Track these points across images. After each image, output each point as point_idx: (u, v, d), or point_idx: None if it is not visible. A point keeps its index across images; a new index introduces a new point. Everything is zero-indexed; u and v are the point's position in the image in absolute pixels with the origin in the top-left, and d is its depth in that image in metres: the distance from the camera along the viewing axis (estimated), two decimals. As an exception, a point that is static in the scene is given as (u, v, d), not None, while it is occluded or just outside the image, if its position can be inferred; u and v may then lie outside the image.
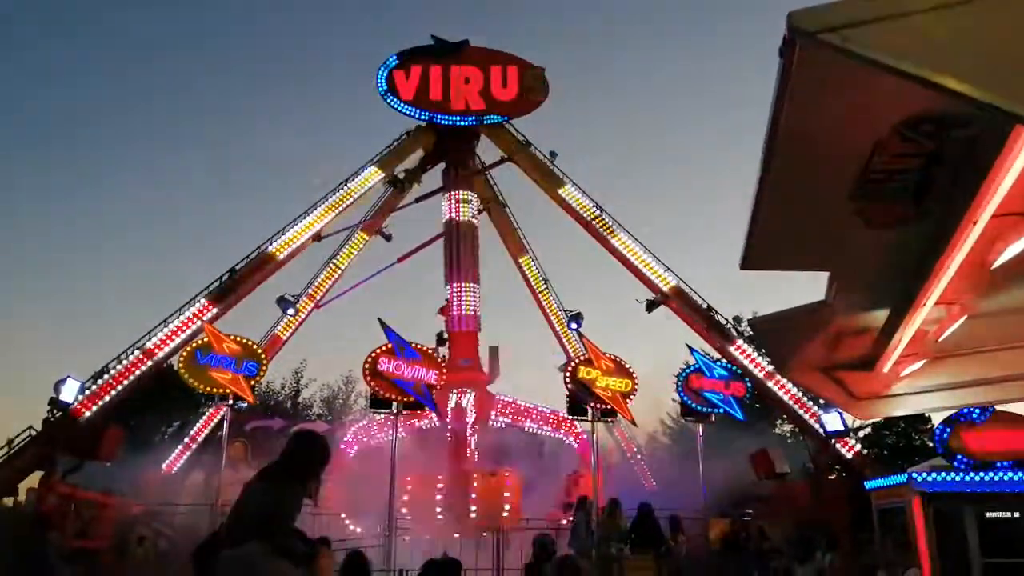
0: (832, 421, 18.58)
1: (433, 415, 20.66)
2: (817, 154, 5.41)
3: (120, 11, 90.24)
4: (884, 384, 9.83)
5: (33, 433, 16.22)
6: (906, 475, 15.80)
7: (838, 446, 19.08)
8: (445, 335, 24.52)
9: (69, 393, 16.44)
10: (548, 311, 27.43)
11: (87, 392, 16.91)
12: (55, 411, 16.57)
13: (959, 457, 15.08)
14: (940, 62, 4.49)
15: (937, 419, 16.46)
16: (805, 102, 4.90)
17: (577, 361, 20.13)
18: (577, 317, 25.24)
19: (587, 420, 19.65)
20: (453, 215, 24.87)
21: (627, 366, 20.02)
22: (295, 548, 4.35)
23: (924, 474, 15.44)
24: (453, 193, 24.95)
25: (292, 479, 4.51)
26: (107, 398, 17.13)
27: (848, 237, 6.18)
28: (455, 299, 24.45)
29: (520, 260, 27.66)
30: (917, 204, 5.86)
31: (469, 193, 25.18)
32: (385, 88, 23.22)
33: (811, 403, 19.52)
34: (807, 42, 4.38)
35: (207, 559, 4.32)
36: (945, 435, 15.30)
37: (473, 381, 23.69)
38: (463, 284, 24.40)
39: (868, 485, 16.84)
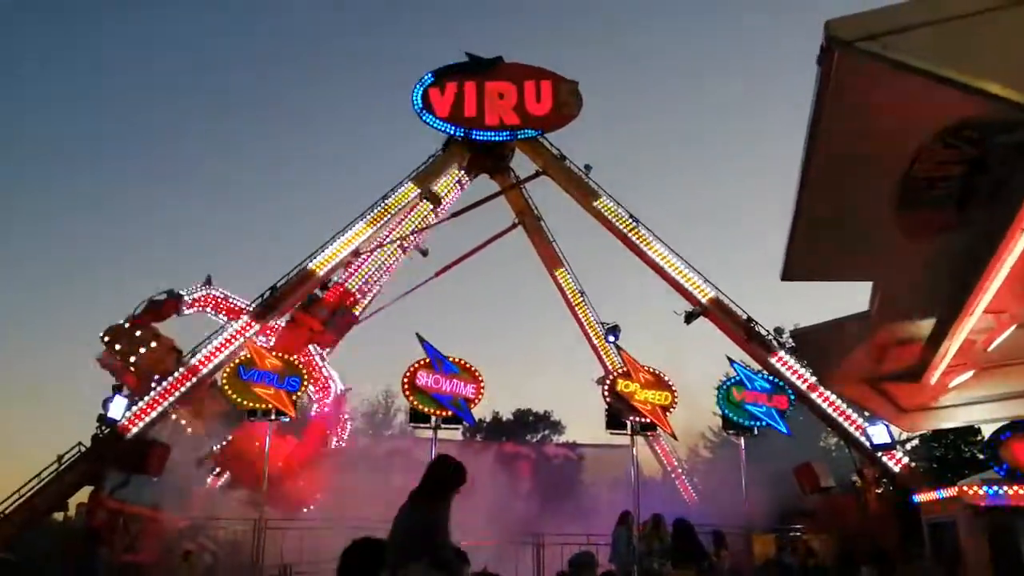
0: (878, 434, 18.16)
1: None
2: (857, 163, 5.36)
3: (170, 25, 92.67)
4: (932, 395, 9.64)
5: (82, 449, 16.61)
6: (956, 488, 15.37)
7: (885, 459, 18.64)
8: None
9: (117, 410, 16.81)
10: (585, 324, 27.33)
11: (134, 409, 17.25)
12: (103, 427, 16.93)
13: (1012, 470, 14.62)
14: (982, 67, 4.42)
15: (988, 431, 15.98)
16: (843, 110, 4.87)
17: (615, 374, 20.01)
18: (614, 329, 25.08)
19: (626, 434, 19.50)
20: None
21: (666, 379, 19.85)
22: (451, 560, 4.85)
23: (976, 488, 15.01)
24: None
25: (437, 499, 5.05)
26: (153, 414, 17.46)
27: (891, 246, 6.09)
28: None
29: (556, 273, 27.63)
30: (961, 211, 5.76)
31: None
32: (421, 105, 23.45)
33: (856, 415, 19.11)
34: (845, 50, 4.35)
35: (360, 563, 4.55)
36: (997, 447, 14.85)
37: None
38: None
39: (916, 499, 16.42)
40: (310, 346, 23.32)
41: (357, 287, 23.50)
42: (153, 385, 17.86)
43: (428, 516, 4.95)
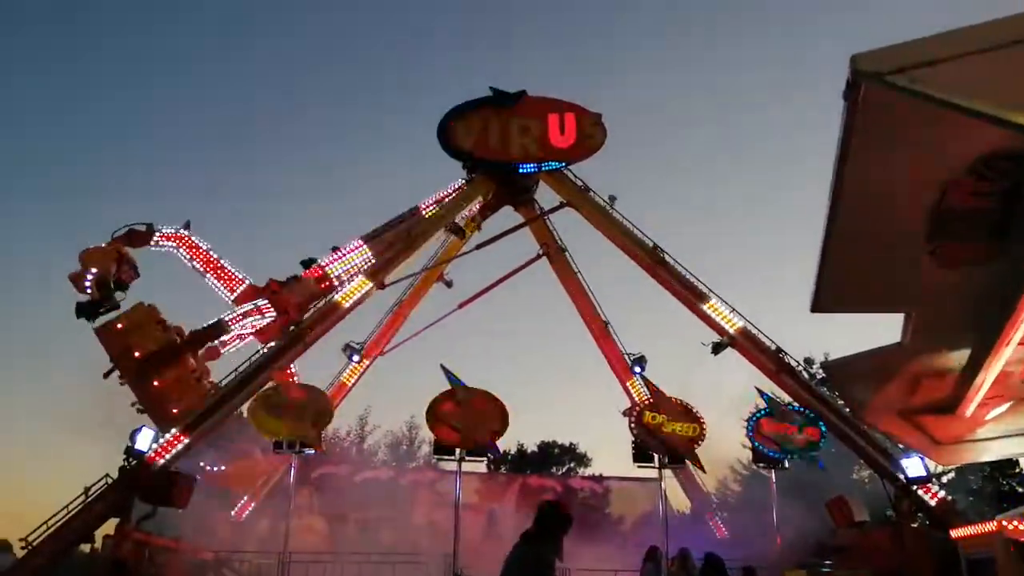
0: (913, 467, 17.78)
1: None
2: (886, 195, 5.31)
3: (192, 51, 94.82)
4: (967, 428, 9.42)
5: (109, 481, 16.73)
6: (996, 523, 14.96)
7: (920, 493, 18.23)
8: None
9: (144, 442, 16.96)
10: (610, 355, 27.16)
11: (161, 441, 17.38)
12: (130, 459, 17.06)
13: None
14: (1013, 100, 4.38)
15: (1027, 464, 15.59)
16: (870, 143, 4.83)
17: (642, 406, 19.84)
18: (641, 361, 24.92)
19: (654, 467, 19.27)
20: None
21: (694, 410, 19.64)
22: None
23: (1016, 522, 14.58)
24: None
25: (547, 540, 5.61)
26: (180, 446, 17.57)
27: (923, 277, 6.01)
28: None
29: (580, 304, 27.57)
30: (995, 242, 5.67)
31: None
32: (445, 138, 23.73)
33: (890, 448, 18.74)
34: (873, 84, 4.33)
35: None
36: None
37: None
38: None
39: (954, 534, 16.01)
40: None
41: (337, 274, 22.23)
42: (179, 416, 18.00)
43: (543, 555, 5.53)
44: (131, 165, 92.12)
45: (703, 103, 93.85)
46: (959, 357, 7.64)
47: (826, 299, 6.86)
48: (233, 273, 21.12)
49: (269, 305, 20.24)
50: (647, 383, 21.31)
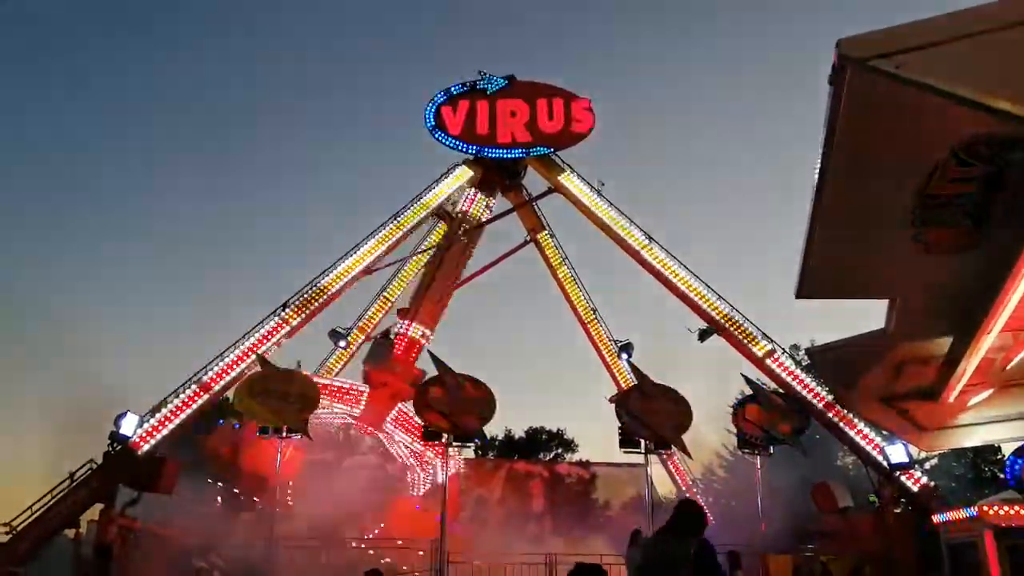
0: (896, 453, 17.93)
1: None
2: (871, 181, 5.31)
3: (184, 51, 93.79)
4: (950, 414, 9.52)
5: (94, 466, 16.63)
6: (977, 508, 15.12)
7: (903, 479, 18.40)
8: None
9: (128, 427, 16.86)
10: (597, 341, 27.21)
11: (146, 426, 17.29)
12: (115, 445, 16.96)
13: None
14: (995, 85, 4.38)
15: (1007, 450, 15.74)
16: (856, 128, 4.82)
17: (629, 392, 19.88)
18: (628, 347, 24.98)
19: (640, 452, 19.33)
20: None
21: (680, 396, 19.69)
22: None
23: (996, 507, 14.75)
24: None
25: (683, 535, 5.85)
26: (165, 431, 17.48)
27: (907, 264, 6.02)
28: None
29: (568, 290, 27.58)
30: (978, 228, 5.69)
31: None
32: (433, 123, 23.57)
33: (874, 434, 18.89)
34: (858, 69, 4.32)
35: None
36: (1017, 467, 14.61)
37: None
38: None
39: (936, 519, 16.18)
40: (399, 404, 23.47)
41: (420, 334, 23.52)
42: (165, 401, 17.92)
43: (685, 549, 5.78)
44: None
45: (694, 89, 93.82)
46: (942, 344, 7.69)
47: (811, 285, 6.89)
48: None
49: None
50: (634, 369, 21.34)
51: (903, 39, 4.01)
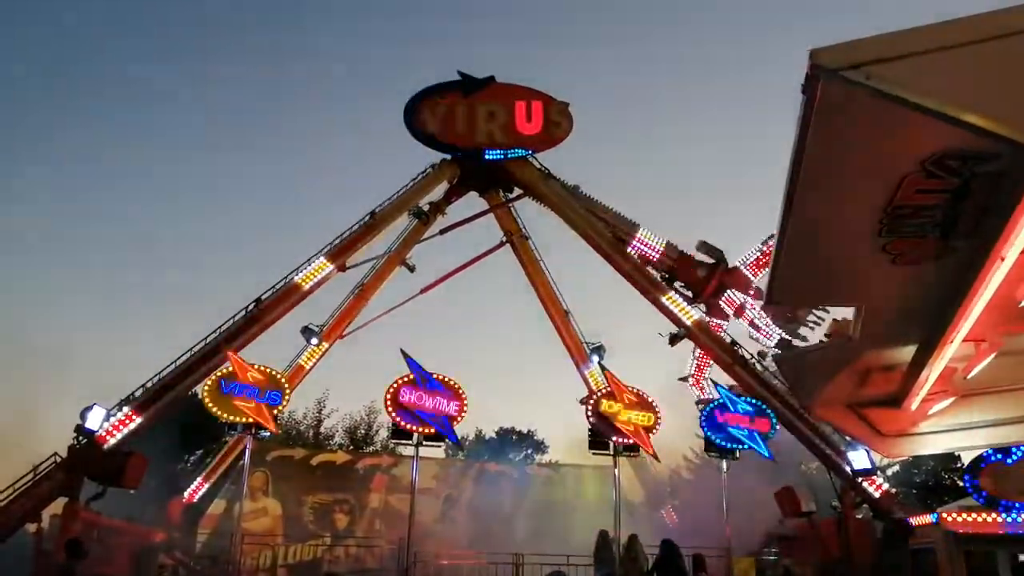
0: (859, 459, 18.25)
1: None
2: (841, 190, 5.42)
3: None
4: (912, 422, 9.69)
5: (58, 460, 16.38)
6: (935, 515, 15.46)
7: (865, 485, 18.73)
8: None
9: (95, 420, 16.62)
10: (570, 343, 27.32)
11: (112, 419, 17.06)
12: (80, 438, 16.71)
13: (991, 498, 14.73)
14: (965, 99, 4.51)
15: (967, 458, 16.12)
16: (828, 138, 4.93)
17: (599, 394, 20.02)
18: (599, 350, 25.12)
19: (609, 454, 19.48)
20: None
21: (650, 400, 19.88)
22: None
23: (955, 514, 15.10)
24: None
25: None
26: (132, 426, 17.27)
27: (874, 273, 6.15)
28: None
29: (542, 292, 27.66)
30: (944, 240, 5.83)
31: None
32: (411, 122, 23.56)
33: (837, 440, 19.21)
34: (830, 78, 4.42)
35: None
36: (976, 475, 14.97)
37: None
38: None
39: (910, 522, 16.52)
40: None
41: None
42: (132, 395, 17.71)
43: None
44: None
45: (668, 87, 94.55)
46: (907, 352, 7.85)
47: (780, 293, 7.01)
48: None
49: None
50: (605, 372, 21.49)
51: (875, 49, 4.11)
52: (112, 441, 16.92)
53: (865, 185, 5.24)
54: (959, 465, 28.43)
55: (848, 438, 17.71)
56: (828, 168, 5.02)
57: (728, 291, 22.39)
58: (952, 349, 7.02)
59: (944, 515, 15.43)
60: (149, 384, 18.09)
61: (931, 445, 11.27)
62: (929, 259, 5.93)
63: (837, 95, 4.35)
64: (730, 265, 22.48)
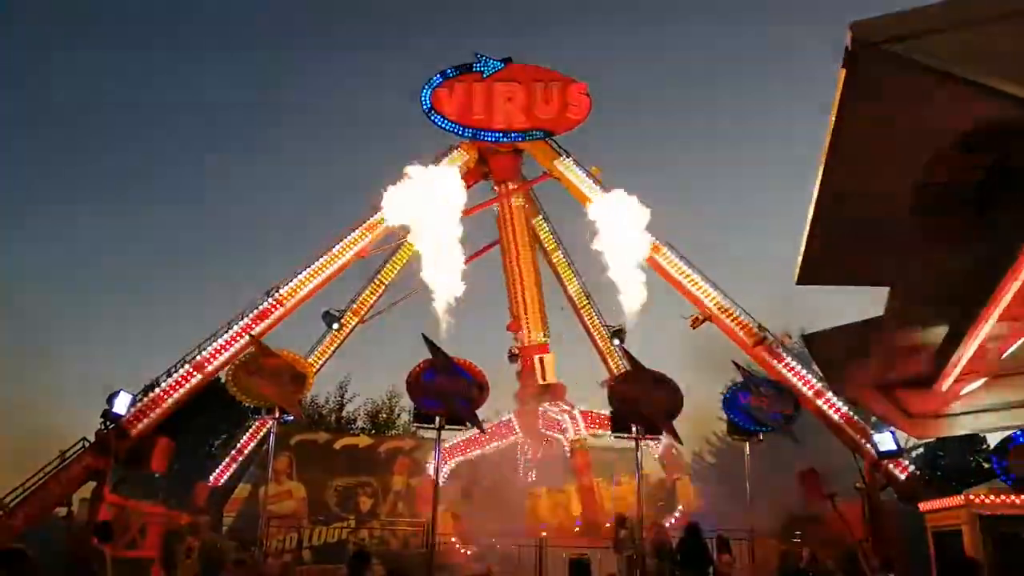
0: (885, 441, 18.07)
1: None
2: (877, 166, 5.33)
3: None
4: (942, 402, 9.61)
5: (86, 445, 16.59)
6: (963, 497, 15.29)
7: (891, 467, 18.57)
8: (516, 350, 24.90)
9: (121, 405, 16.79)
10: (590, 327, 27.26)
11: (138, 404, 17.26)
12: (107, 423, 16.92)
13: (1020, 479, 14.53)
14: (1004, 70, 4.40)
15: (994, 439, 15.92)
16: (865, 113, 4.84)
17: (620, 377, 19.94)
18: (620, 333, 25.03)
19: (632, 437, 19.42)
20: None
21: (672, 382, 19.76)
22: None
23: (983, 496, 14.92)
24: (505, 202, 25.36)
25: None
26: (158, 410, 17.46)
27: (909, 250, 6.06)
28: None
29: (562, 275, 27.59)
30: (980, 217, 5.72)
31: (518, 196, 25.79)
32: (429, 106, 23.48)
33: (862, 422, 19.05)
34: (870, 52, 4.33)
35: None
36: (1004, 456, 14.77)
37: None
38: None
39: (922, 507, 16.35)
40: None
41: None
42: (158, 381, 17.90)
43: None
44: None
45: (691, 74, 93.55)
46: (938, 332, 7.75)
47: (811, 272, 6.92)
48: None
49: None
50: (626, 354, 21.41)
51: (915, 23, 4.01)
52: (139, 426, 17.11)
53: (902, 160, 5.15)
54: (985, 447, 28.16)
55: (875, 419, 17.58)
56: (864, 142, 4.93)
57: None
58: (987, 328, 6.91)
59: (971, 497, 15.26)
60: (173, 370, 18.25)
61: (961, 426, 11.17)
62: (965, 236, 5.82)
63: (875, 69, 4.26)
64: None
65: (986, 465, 20.52)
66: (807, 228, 5.85)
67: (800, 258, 6.24)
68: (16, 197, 76.83)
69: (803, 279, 6.44)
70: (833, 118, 4.59)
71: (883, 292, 7.17)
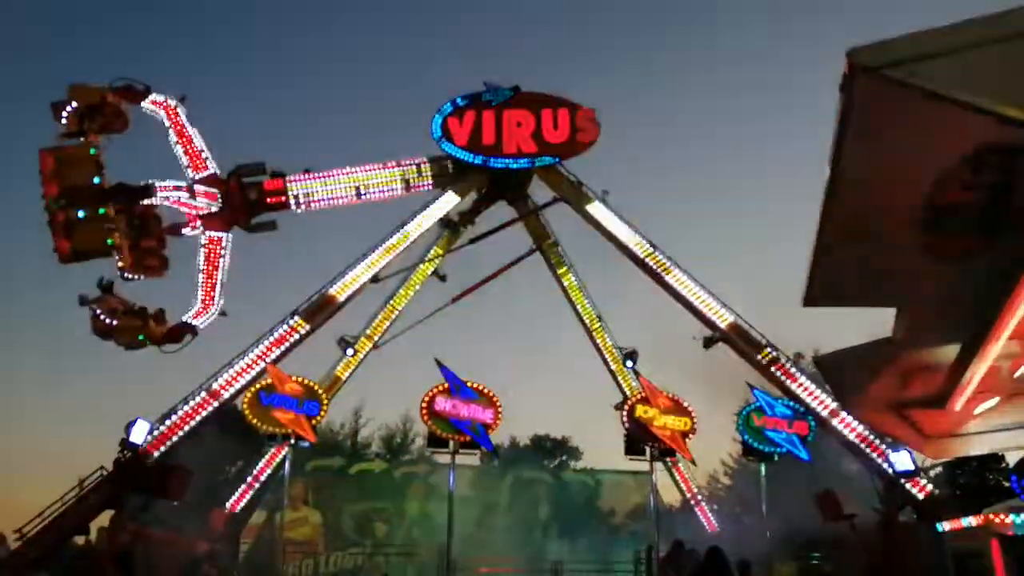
0: (901, 460, 17.96)
1: None
2: (880, 187, 5.40)
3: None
4: (957, 422, 9.56)
5: (104, 473, 16.72)
6: (984, 517, 15.13)
7: (908, 486, 18.41)
8: None
9: (139, 434, 16.95)
10: (603, 349, 27.27)
11: (156, 433, 17.38)
12: (125, 451, 17.04)
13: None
14: (1005, 94, 4.48)
15: (1013, 458, 15.78)
16: (866, 136, 4.92)
17: (634, 400, 19.94)
18: (632, 355, 25.02)
19: (645, 460, 19.38)
20: None
21: (685, 404, 19.75)
22: None
23: (1004, 516, 14.77)
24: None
25: None
26: (175, 438, 17.57)
27: (915, 271, 6.10)
28: None
29: (573, 298, 27.66)
30: (987, 235, 5.77)
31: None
32: (440, 134, 23.73)
33: (878, 442, 18.92)
34: (869, 77, 4.42)
35: None
36: (1023, 476, 14.64)
37: None
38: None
39: (941, 527, 16.19)
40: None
41: (295, 194, 21.72)
42: (175, 409, 18.03)
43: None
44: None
45: (698, 96, 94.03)
46: (949, 352, 7.75)
47: (818, 293, 6.97)
48: (203, 158, 21.09)
49: (215, 193, 20.78)
50: (639, 377, 21.42)
51: (916, 47, 4.12)
52: (156, 454, 17.22)
53: (905, 181, 5.22)
54: (1004, 465, 27.83)
55: (890, 439, 17.46)
56: (866, 164, 5.01)
57: None
58: (998, 347, 6.92)
59: (992, 516, 15.11)
60: (190, 397, 18.38)
61: (977, 445, 11.11)
62: (973, 255, 5.87)
63: (875, 93, 4.36)
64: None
65: (1005, 484, 20.27)
66: (812, 250, 5.91)
67: (806, 280, 6.29)
68: (34, 228, 77.60)
69: (810, 301, 6.49)
70: (834, 141, 4.68)
71: (884, 312, 7.20)
